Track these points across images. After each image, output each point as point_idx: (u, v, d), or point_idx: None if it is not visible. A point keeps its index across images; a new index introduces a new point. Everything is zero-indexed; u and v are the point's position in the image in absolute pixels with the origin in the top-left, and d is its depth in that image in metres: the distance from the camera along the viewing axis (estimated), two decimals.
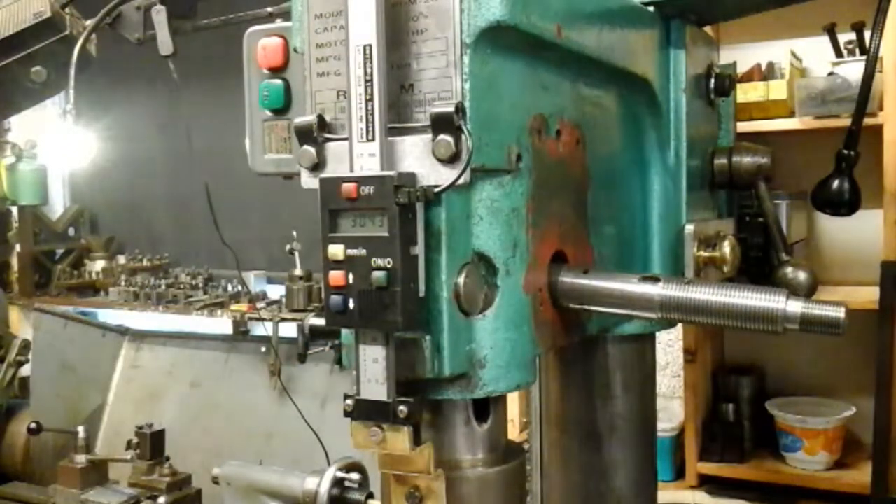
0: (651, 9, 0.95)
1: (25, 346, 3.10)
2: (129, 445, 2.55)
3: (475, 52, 0.66)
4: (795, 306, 0.73)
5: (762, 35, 2.77)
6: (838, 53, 2.57)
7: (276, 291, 3.69)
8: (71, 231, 4.40)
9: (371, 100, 0.64)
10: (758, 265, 1.13)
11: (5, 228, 4.28)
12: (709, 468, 2.70)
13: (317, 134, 0.69)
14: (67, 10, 1.80)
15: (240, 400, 3.57)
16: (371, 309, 0.64)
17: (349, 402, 0.68)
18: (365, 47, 0.64)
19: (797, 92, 2.49)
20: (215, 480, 1.33)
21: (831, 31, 2.55)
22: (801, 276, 1.08)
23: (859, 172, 1.11)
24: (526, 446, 1.67)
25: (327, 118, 0.70)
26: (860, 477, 2.48)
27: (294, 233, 3.26)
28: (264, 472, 1.29)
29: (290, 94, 0.88)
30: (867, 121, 1.19)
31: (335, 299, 0.65)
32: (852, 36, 2.49)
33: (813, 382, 2.84)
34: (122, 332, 3.97)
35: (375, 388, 0.66)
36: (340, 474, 1.15)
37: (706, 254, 1.00)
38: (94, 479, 2.48)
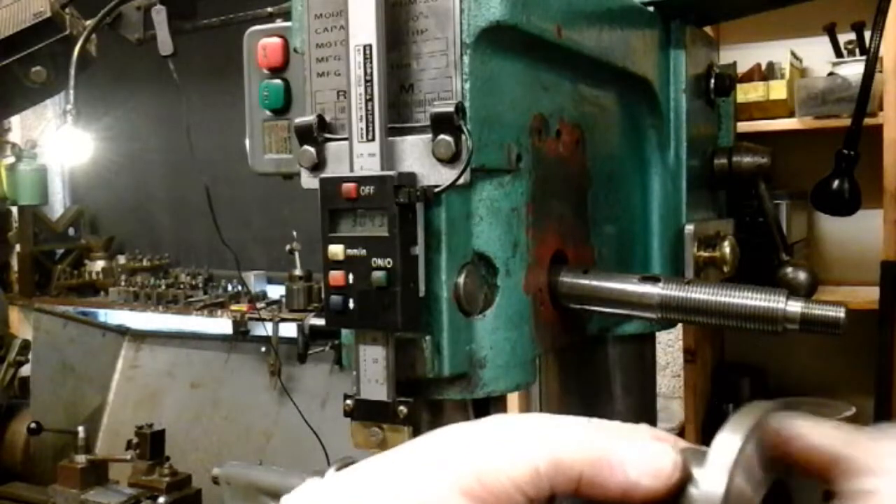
0: (651, 9, 0.95)
1: (25, 346, 3.10)
2: (129, 445, 2.56)
3: (475, 52, 0.66)
4: (795, 306, 0.73)
5: (762, 35, 2.77)
6: (838, 53, 2.57)
7: (276, 291, 3.68)
8: (71, 231, 4.39)
9: (371, 100, 0.64)
10: (758, 265, 1.13)
11: (5, 228, 4.28)
12: None
13: (317, 134, 0.69)
14: (67, 10, 1.80)
15: (240, 400, 3.58)
16: (371, 309, 0.64)
17: (349, 402, 0.68)
18: (365, 47, 0.64)
19: (797, 92, 2.49)
20: (215, 480, 1.33)
21: (831, 31, 2.55)
22: (801, 276, 1.08)
23: (859, 172, 1.11)
24: None
25: (327, 118, 0.70)
26: None
27: (294, 233, 3.26)
28: (264, 472, 1.29)
29: (290, 94, 0.88)
30: (867, 121, 1.19)
31: (335, 299, 0.65)
32: (852, 36, 2.48)
33: (813, 382, 2.84)
34: (122, 332, 3.98)
35: (375, 388, 0.66)
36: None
37: (706, 254, 1.00)
38: (94, 479, 2.49)
